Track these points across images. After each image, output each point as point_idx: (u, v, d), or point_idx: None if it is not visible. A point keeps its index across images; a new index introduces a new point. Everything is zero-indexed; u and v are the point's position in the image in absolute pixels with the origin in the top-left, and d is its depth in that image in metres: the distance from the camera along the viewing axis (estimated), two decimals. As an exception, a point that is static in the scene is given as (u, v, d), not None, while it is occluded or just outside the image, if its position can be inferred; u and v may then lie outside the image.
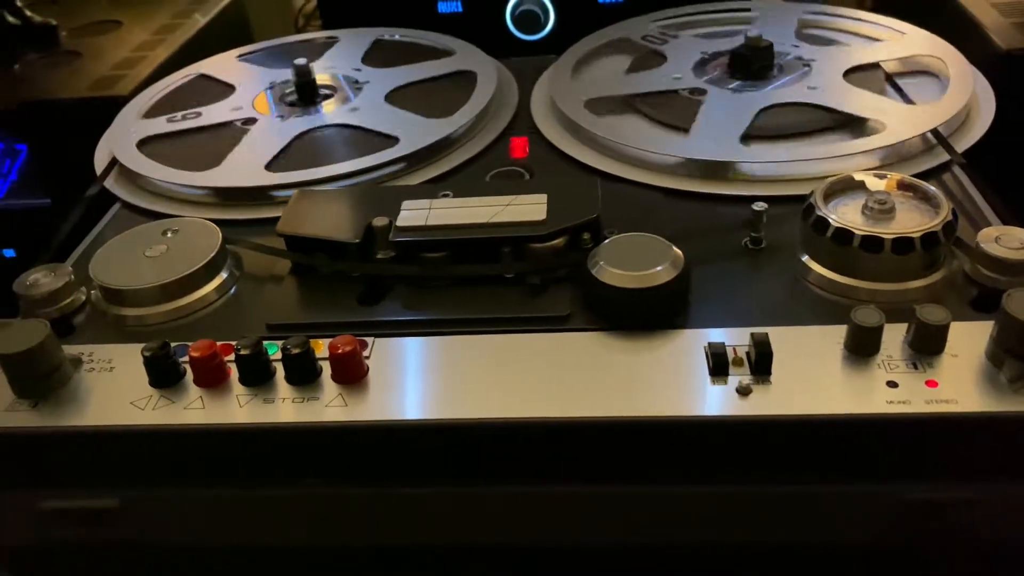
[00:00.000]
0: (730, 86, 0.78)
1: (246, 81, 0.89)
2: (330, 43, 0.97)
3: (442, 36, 0.95)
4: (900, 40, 0.86)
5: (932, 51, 0.81)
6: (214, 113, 0.84)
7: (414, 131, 0.75)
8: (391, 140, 0.75)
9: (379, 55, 0.93)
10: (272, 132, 0.79)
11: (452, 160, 0.74)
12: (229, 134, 0.79)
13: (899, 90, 0.77)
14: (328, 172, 0.71)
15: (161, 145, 0.80)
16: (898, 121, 0.69)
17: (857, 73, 0.79)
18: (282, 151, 0.76)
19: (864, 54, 0.83)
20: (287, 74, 0.86)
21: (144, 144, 0.79)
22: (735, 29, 0.90)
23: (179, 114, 0.83)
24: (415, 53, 0.93)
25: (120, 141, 0.80)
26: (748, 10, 0.94)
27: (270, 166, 0.73)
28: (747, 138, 0.70)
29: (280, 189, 0.71)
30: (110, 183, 0.76)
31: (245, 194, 0.71)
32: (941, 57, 0.79)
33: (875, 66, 0.81)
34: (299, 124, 0.80)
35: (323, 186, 0.70)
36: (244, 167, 0.74)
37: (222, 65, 0.95)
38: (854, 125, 0.72)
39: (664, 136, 0.73)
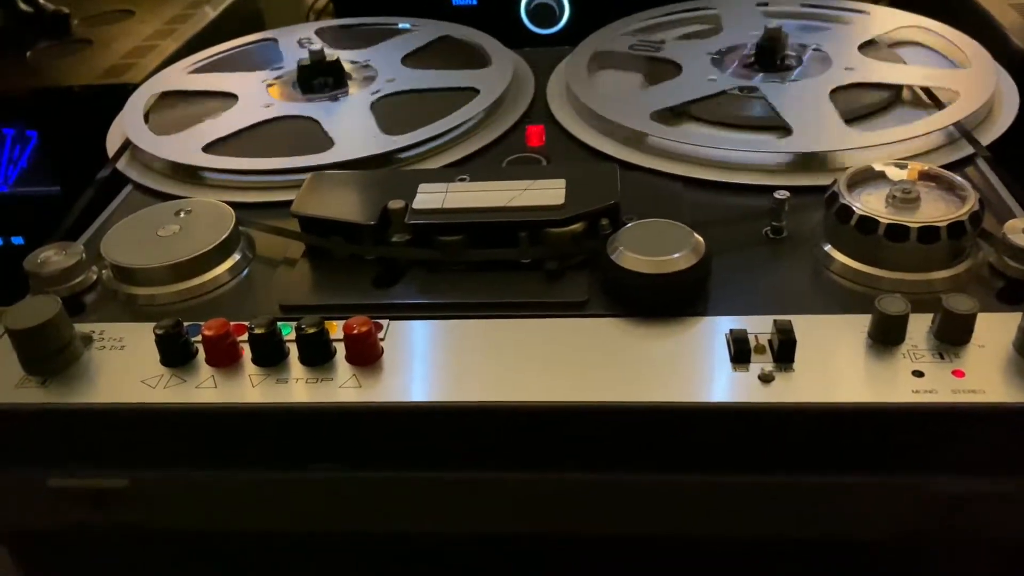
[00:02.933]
0: (764, 79, 0.77)
1: (236, 84, 0.87)
2: (398, 31, 0.96)
3: (488, 38, 0.93)
4: (876, 19, 0.87)
5: (951, 38, 0.82)
6: (234, 81, 0.84)
7: (359, 139, 0.73)
8: (471, 92, 0.76)
9: (423, 54, 0.91)
10: (248, 112, 0.79)
11: (468, 147, 0.74)
12: (290, 126, 0.78)
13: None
14: (254, 165, 0.71)
15: (171, 108, 0.81)
16: (965, 86, 0.70)
17: (870, 49, 0.80)
18: (234, 134, 0.76)
19: (863, 33, 0.84)
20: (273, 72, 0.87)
21: (158, 102, 0.81)
22: (709, 27, 0.90)
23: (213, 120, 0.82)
24: (454, 56, 0.91)
25: (133, 121, 0.80)
26: (709, 8, 0.93)
27: (209, 148, 0.73)
28: (848, 122, 0.69)
29: (404, 151, 0.72)
30: (122, 165, 0.76)
31: (181, 171, 0.72)
32: (963, 48, 0.79)
33: (877, 43, 0.82)
34: (361, 99, 0.79)
35: (250, 178, 0.70)
36: (188, 144, 0.74)
37: (291, 35, 0.95)
38: (916, 97, 0.73)
39: (758, 138, 0.70)
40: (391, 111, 0.78)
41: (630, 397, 0.48)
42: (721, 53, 0.82)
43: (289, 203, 0.61)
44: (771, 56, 0.79)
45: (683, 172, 0.67)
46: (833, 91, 0.73)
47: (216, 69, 0.90)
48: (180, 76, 0.89)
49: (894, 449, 0.48)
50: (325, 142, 0.73)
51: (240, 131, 0.76)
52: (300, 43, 0.93)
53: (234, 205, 0.62)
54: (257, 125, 0.77)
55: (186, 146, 0.74)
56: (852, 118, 0.70)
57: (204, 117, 0.79)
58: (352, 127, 0.75)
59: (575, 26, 1.03)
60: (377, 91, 0.81)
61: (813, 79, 0.76)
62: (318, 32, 0.96)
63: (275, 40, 0.95)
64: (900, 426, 0.47)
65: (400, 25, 0.97)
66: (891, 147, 0.66)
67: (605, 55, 0.86)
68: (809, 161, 0.66)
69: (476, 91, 0.79)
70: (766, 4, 0.93)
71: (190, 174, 0.73)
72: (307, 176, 0.65)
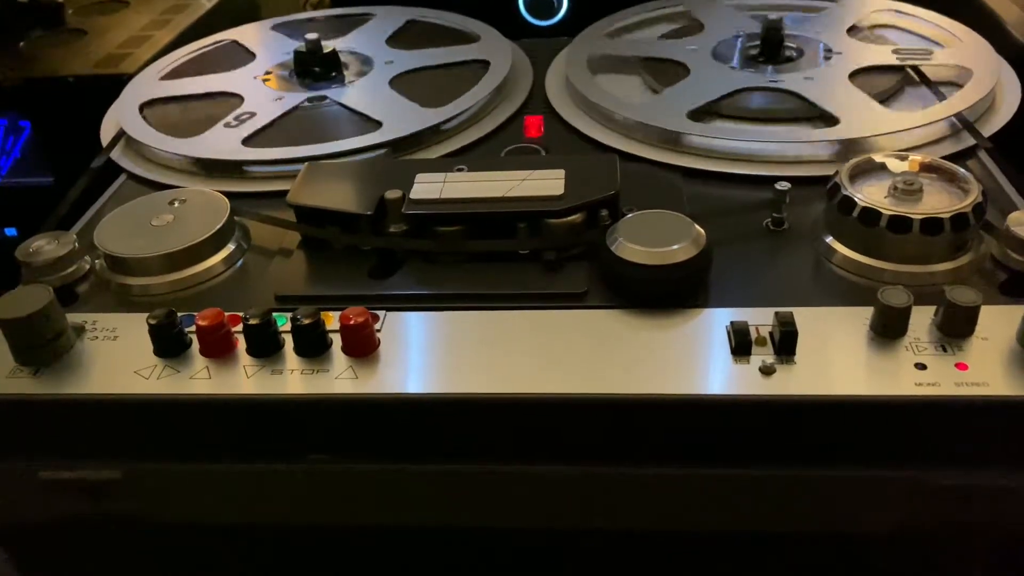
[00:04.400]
0: (775, 72, 0.77)
1: (270, 51, 0.88)
2: (363, 19, 0.96)
3: (467, 19, 0.93)
4: (846, 5, 0.88)
5: (928, 18, 0.83)
6: (221, 81, 0.83)
7: (402, 117, 0.73)
8: (375, 124, 0.73)
9: (405, 36, 0.92)
10: (265, 106, 0.78)
11: (465, 138, 0.73)
12: (230, 104, 0.79)
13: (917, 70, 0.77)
14: (305, 152, 0.69)
15: (165, 109, 0.79)
16: (981, 65, 0.71)
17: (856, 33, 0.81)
18: (265, 127, 0.75)
19: (846, 19, 0.85)
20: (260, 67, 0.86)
21: (149, 107, 0.79)
22: (687, 24, 0.90)
23: (188, 79, 0.82)
24: (440, 36, 0.91)
25: (127, 112, 0.79)
26: (676, 5, 0.93)
27: (248, 141, 0.72)
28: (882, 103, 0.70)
29: (254, 165, 0.70)
30: (116, 154, 0.75)
31: (221, 167, 0.70)
32: (952, 31, 0.80)
33: (861, 29, 0.83)
34: (295, 99, 0.78)
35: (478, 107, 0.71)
36: (224, 140, 0.72)
37: (253, 34, 0.94)
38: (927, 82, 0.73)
39: (805, 130, 0.69)
40: (414, 88, 0.78)
41: (630, 389, 0.47)
42: (720, 49, 0.82)
43: (285, 193, 0.61)
44: (776, 48, 0.79)
45: (727, 169, 0.66)
46: (851, 75, 0.73)
47: (191, 72, 0.88)
48: (155, 83, 0.86)
49: (897, 442, 0.47)
50: (367, 124, 0.73)
51: (271, 123, 0.75)
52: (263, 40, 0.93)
53: (229, 195, 0.62)
54: (285, 115, 0.77)
55: (224, 142, 0.72)
56: (882, 99, 0.70)
57: (220, 114, 0.77)
58: (389, 107, 0.75)
59: (574, 17, 1.02)
60: (386, 73, 0.81)
61: (826, 68, 0.76)
62: (275, 27, 0.96)
63: (235, 41, 0.94)
64: (903, 419, 0.46)
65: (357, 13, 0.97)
66: (894, 136, 0.65)
67: (603, 55, 0.85)
68: (856, 148, 0.65)
69: (487, 63, 0.79)
70: None
71: (207, 167, 0.71)
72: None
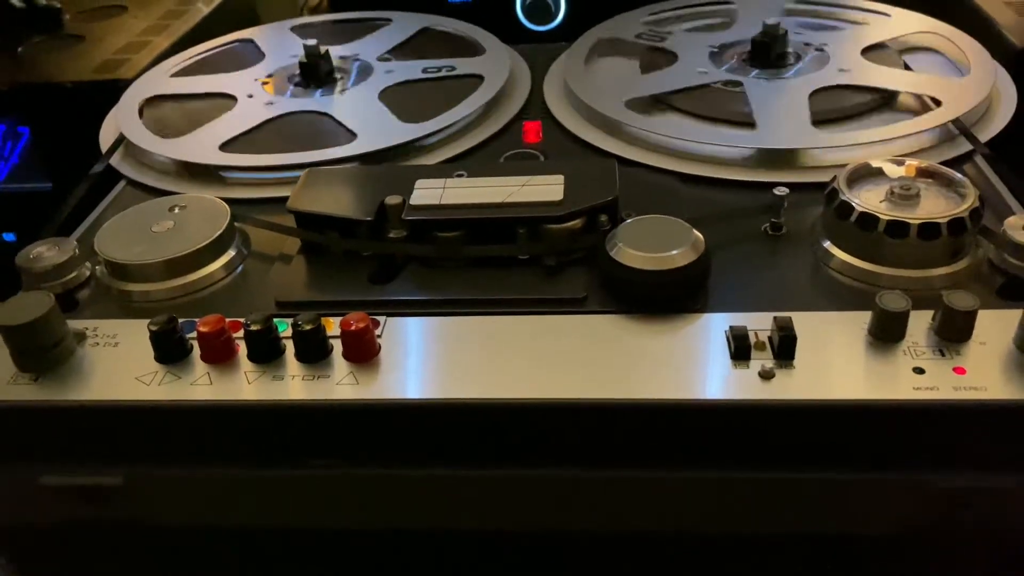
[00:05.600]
0: (756, 76, 0.77)
1: (278, 53, 0.89)
2: (381, 24, 0.96)
3: (479, 29, 0.93)
4: (892, 22, 0.86)
5: (950, 36, 0.82)
6: (224, 82, 0.84)
7: (378, 130, 0.73)
8: (351, 135, 0.73)
9: (414, 44, 0.92)
10: (255, 111, 0.78)
11: (464, 143, 0.73)
12: (220, 106, 0.79)
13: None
14: (277, 160, 0.70)
15: (165, 110, 0.80)
16: (953, 95, 0.70)
17: (874, 52, 0.80)
18: (247, 132, 0.75)
19: (873, 35, 0.83)
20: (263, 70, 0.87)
21: (149, 105, 0.80)
22: (723, 21, 0.90)
23: (190, 78, 0.83)
24: (445, 46, 0.91)
25: (127, 117, 0.79)
26: (729, 2, 0.93)
27: (226, 146, 0.73)
28: (816, 124, 0.69)
29: (228, 171, 0.70)
30: (116, 160, 0.75)
31: (197, 171, 0.71)
32: (959, 44, 0.79)
33: (885, 47, 0.82)
34: (285, 106, 0.79)
35: (273, 174, 0.70)
36: (203, 144, 0.73)
37: (270, 34, 0.95)
38: (905, 103, 0.73)
39: (727, 131, 0.70)
40: (401, 101, 0.78)
41: (629, 394, 0.47)
42: (723, 47, 0.82)
43: (285, 199, 0.61)
44: (766, 53, 0.79)
45: (652, 162, 0.68)
46: (815, 92, 0.73)
47: (200, 71, 0.89)
48: (163, 80, 0.87)
49: (895, 446, 0.47)
50: (344, 135, 0.73)
51: (253, 128, 0.76)
52: (282, 42, 0.93)
53: (229, 201, 0.62)
54: (268, 122, 0.77)
55: (201, 146, 0.73)
56: (824, 119, 0.70)
57: (207, 117, 0.78)
58: (368, 118, 0.75)
59: (571, 23, 1.02)
60: (381, 83, 0.81)
61: (801, 78, 0.76)
62: (294, 29, 0.96)
63: (251, 40, 0.94)
64: (902, 423, 0.47)
65: (382, 18, 0.97)
66: (889, 144, 0.66)
67: (608, 43, 0.86)
68: (772, 158, 0.67)
69: (480, 77, 0.78)
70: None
71: (192, 172, 0.72)
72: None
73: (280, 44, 0.92)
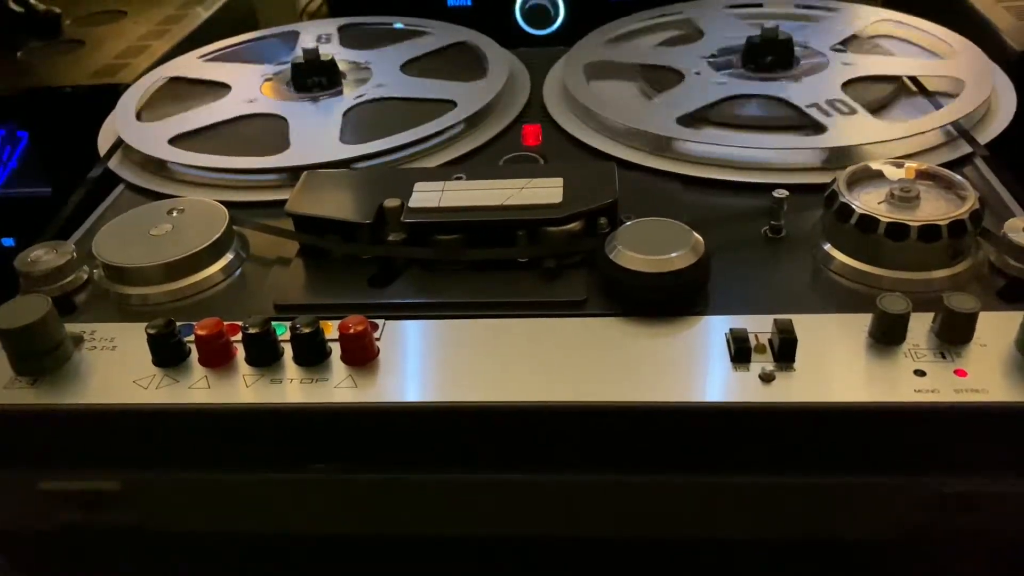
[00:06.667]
0: (775, 78, 0.77)
1: (237, 76, 0.87)
2: (341, 30, 0.96)
3: (454, 26, 0.93)
4: (846, 15, 0.88)
5: (928, 29, 0.83)
6: (230, 72, 0.85)
7: (317, 146, 0.72)
8: (448, 104, 0.74)
9: (388, 40, 0.92)
10: (314, 114, 0.78)
11: (463, 146, 0.73)
12: (260, 124, 0.78)
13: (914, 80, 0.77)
14: (398, 141, 0.71)
15: (161, 94, 0.82)
16: (958, 75, 0.72)
17: (854, 43, 0.82)
18: (202, 129, 0.76)
19: (845, 31, 0.85)
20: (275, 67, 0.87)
21: (146, 108, 0.80)
22: (690, 33, 0.90)
23: (190, 112, 0.81)
24: (453, 66, 0.89)
25: (125, 121, 0.79)
26: (679, 13, 0.93)
27: (174, 141, 0.73)
28: (873, 112, 0.69)
29: (361, 161, 0.70)
30: (114, 164, 0.75)
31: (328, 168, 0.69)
32: (948, 41, 0.80)
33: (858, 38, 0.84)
34: (339, 103, 0.79)
35: (205, 174, 0.71)
36: (316, 145, 0.72)
37: (195, 66, 0.92)
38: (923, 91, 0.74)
39: (793, 137, 0.69)
40: (363, 118, 0.77)
41: (629, 397, 0.47)
42: (715, 56, 0.82)
43: (283, 202, 0.61)
44: (772, 56, 0.79)
45: (708, 175, 0.66)
46: (844, 84, 0.73)
47: (230, 59, 0.91)
48: (191, 63, 0.90)
49: (896, 449, 0.47)
50: (283, 144, 0.72)
51: (211, 126, 0.76)
52: (319, 39, 0.93)
53: (228, 204, 0.62)
54: (230, 121, 0.77)
55: (155, 137, 0.74)
56: (874, 109, 0.70)
57: (189, 109, 0.78)
58: (315, 132, 0.74)
59: (570, 27, 1.02)
60: (360, 95, 0.80)
61: (819, 75, 0.76)
62: (340, 29, 0.96)
63: (296, 32, 0.96)
64: (903, 426, 0.46)
65: (417, 28, 0.96)
66: (890, 145, 0.66)
67: (601, 62, 0.85)
68: (842, 156, 0.66)
69: (454, 104, 0.77)
70: (739, 7, 0.92)
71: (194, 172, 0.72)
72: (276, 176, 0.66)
73: (222, 70, 0.91)
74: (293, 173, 0.68)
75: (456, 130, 0.74)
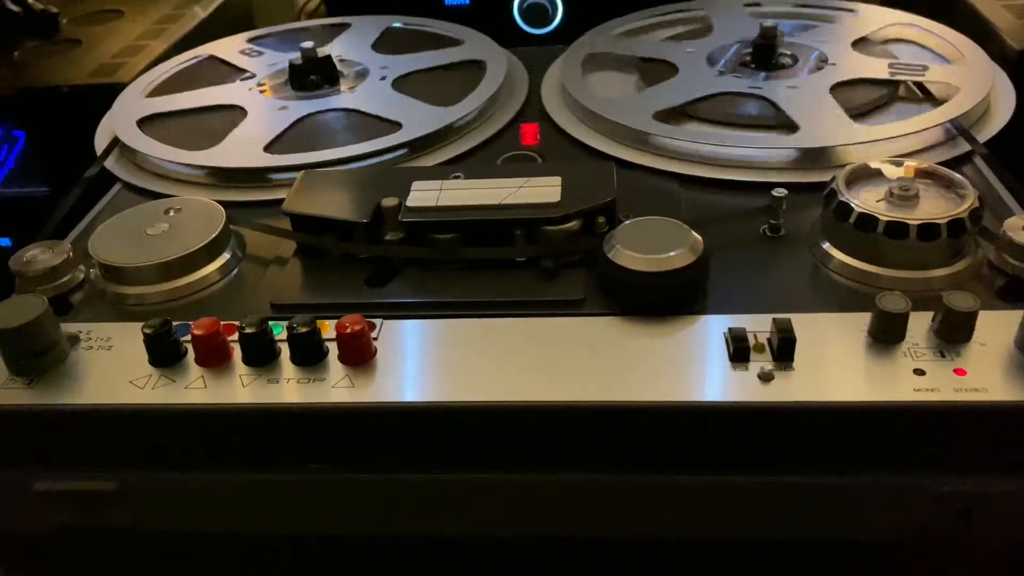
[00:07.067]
0: (769, 78, 0.76)
1: (254, 64, 0.88)
2: (341, 28, 0.96)
3: (452, 25, 0.93)
4: (872, 17, 0.87)
5: (941, 34, 0.82)
6: (218, 94, 0.83)
7: (418, 118, 0.73)
8: (394, 126, 0.73)
9: (389, 43, 0.92)
10: (273, 114, 0.77)
11: (461, 145, 0.73)
12: (231, 115, 0.78)
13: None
14: (328, 156, 0.70)
15: (163, 124, 0.79)
16: (961, 81, 0.71)
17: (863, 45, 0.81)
18: (282, 134, 0.74)
19: (859, 30, 0.85)
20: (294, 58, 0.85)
21: (145, 123, 0.78)
22: (699, 28, 0.89)
23: (183, 93, 0.82)
24: (425, 41, 0.91)
25: (121, 121, 0.79)
26: (697, 9, 0.93)
27: (269, 148, 0.72)
28: (855, 118, 0.69)
29: (278, 172, 0.69)
30: (111, 163, 0.75)
31: (244, 175, 0.70)
32: (957, 46, 0.80)
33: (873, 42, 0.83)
34: (302, 107, 0.78)
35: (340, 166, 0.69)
36: (243, 148, 0.72)
37: (231, 47, 0.94)
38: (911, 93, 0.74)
39: (763, 135, 0.69)
40: (418, 90, 0.78)
41: (628, 397, 0.47)
42: (715, 53, 0.82)
43: (280, 201, 0.60)
44: (768, 55, 0.78)
45: (685, 171, 0.66)
46: (833, 87, 0.73)
47: (178, 89, 0.87)
48: (143, 100, 0.85)
49: (896, 448, 0.47)
50: (385, 127, 0.73)
51: (180, 111, 0.78)
52: (244, 52, 0.93)
53: (225, 204, 0.61)
54: (299, 121, 0.77)
55: (240, 151, 0.72)
56: (856, 114, 0.70)
57: (223, 127, 0.76)
58: (400, 108, 0.76)
59: (568, 26, 1.02)
60: (383, 77, 0.82)
61: (813, 76, 0.76)
62: (251, 40, 0.96)
63: (212, 56, 0.94)
64: (902, 425, 0.46)
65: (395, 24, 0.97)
66: (888, 143, 0.65)
67: (599, 55, 0.85)
68: (815, 157, 0.66)
69: (481, 63, 0.80)
70: (756, 4, 0.92)
71: (201, 177, 0.71)
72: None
73: (248, 56, 0.92)
74: (214, 173, 0.71)
75: (391, 155, 0.71)
